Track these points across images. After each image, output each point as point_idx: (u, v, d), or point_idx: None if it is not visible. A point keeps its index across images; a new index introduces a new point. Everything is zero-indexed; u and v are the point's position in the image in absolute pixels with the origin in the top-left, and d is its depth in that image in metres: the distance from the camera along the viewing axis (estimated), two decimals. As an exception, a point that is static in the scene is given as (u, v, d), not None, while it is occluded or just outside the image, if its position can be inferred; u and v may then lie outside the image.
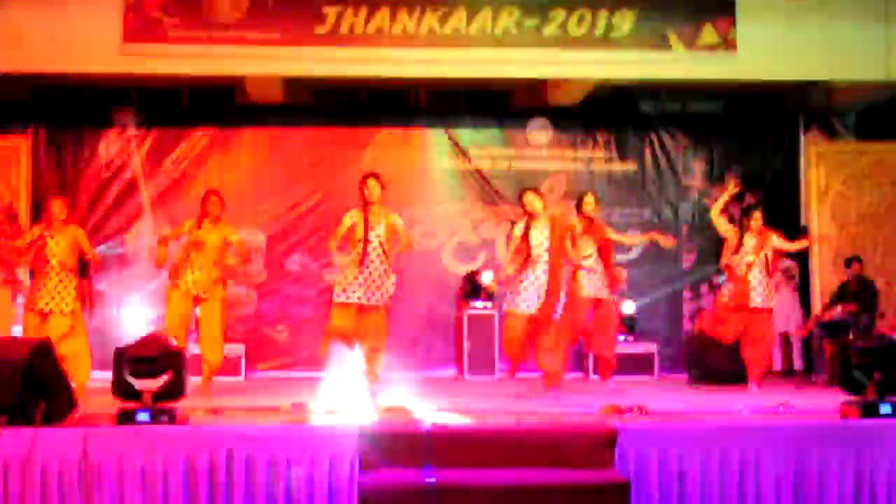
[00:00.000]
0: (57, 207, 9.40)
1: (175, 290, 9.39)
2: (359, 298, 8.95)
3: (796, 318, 11.63)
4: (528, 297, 9.10)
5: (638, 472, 6.09)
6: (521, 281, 9.15)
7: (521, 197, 9.41)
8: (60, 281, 9.25)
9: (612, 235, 9.88)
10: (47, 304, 9.20)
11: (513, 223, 9.81)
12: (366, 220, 9.04)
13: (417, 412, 6.88)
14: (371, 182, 9.12)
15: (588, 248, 9.59)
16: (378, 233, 9.03)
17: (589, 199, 9.70)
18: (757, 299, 9.63)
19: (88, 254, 9.44)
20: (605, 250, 9.68)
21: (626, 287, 10.69)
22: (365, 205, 9.11)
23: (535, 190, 9.55)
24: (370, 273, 8.98)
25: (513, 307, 9.20)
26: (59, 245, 9.28)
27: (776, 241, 9.76)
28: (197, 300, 9.42)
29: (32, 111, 11.71)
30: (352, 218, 9.12)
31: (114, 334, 10.84)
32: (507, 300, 9.32)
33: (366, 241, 8.98)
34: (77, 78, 10.84)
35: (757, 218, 9.74)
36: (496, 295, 11.12)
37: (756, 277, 9.64)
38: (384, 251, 9.04)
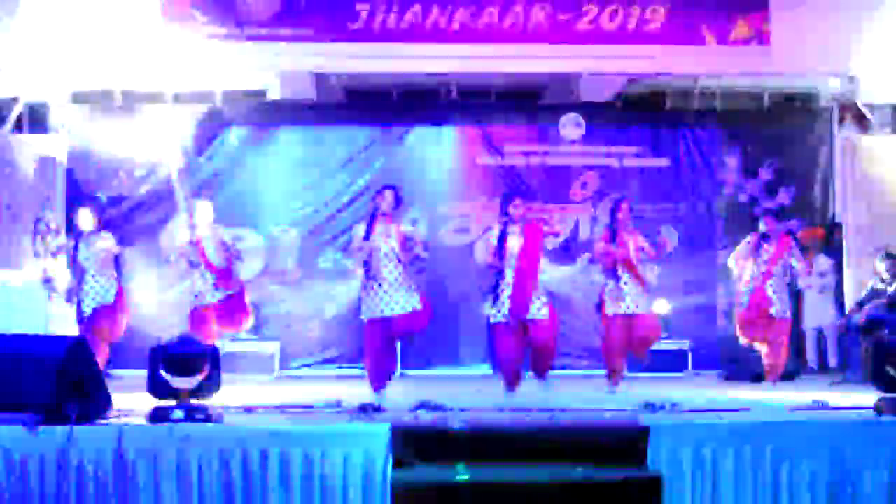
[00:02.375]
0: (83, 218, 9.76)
1: (195, 310, 9.58)
2: (381, 312, 8.62)
3: (830, 314, 11.54)
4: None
5: (671, 469, 6.07)
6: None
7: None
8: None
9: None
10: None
11: None
12: (376, 231, 8.71)
13: (450, 409, 6.90)
14: (388, 193, 8.77)
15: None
16: (392, 244, 8.68)
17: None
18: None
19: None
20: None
21: (659, 283, 10.61)
22: (376, 215, 8.74)
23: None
24: (389, 286, 8.63)
25: None
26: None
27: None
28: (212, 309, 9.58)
29: (68, 110, 11.78)
30: (361, 230, 8.75)
31: (147, 332, 10.89)
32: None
33: (380, 252, 8.71)
34: (113, 76, 10.93)
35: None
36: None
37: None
38: (399, 261, 8.70)
